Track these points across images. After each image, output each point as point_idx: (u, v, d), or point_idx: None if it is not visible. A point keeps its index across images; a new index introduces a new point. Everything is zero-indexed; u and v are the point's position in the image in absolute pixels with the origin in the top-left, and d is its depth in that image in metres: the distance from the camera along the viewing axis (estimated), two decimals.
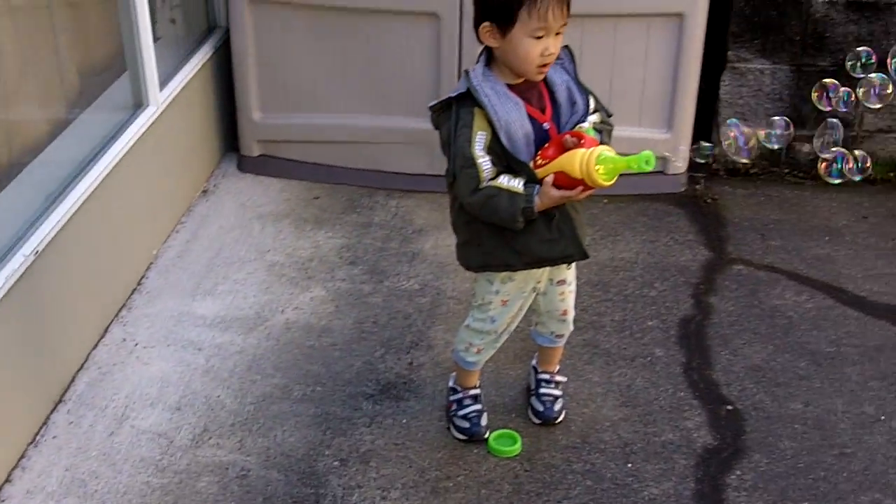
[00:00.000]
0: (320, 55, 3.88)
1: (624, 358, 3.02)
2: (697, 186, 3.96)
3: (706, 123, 4.06)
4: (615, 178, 2.24)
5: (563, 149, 2.28)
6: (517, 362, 2.96)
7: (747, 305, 3.28)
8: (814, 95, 3.20)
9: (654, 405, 2.84)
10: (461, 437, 2.71)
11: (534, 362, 2.85)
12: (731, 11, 3.91)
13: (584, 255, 2.49)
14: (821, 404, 2.87)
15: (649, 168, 2.15)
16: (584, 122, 2.39)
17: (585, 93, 2.41)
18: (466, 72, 2.36)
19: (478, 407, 2.74)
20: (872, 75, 3.10)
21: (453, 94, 2.35)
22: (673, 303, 3.28)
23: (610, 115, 2.48)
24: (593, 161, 2.20)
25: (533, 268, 2.51)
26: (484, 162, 2.31)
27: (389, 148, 3.96)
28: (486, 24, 2.29)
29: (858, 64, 3.24)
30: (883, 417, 2.83)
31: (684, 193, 3.92)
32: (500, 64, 2.35)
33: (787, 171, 4.07)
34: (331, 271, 3.42)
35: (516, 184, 2.32)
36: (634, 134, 3.81)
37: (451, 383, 2.79)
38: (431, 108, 2.44)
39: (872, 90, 3.07)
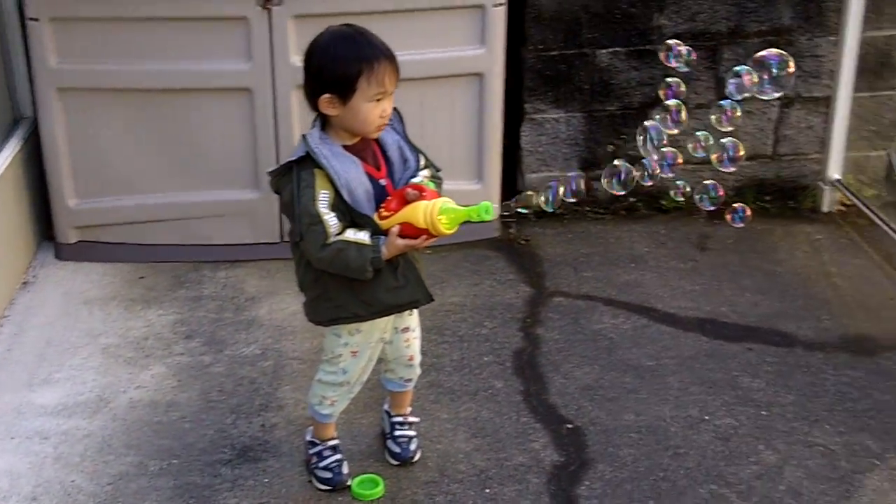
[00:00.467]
0: (134, 137, 3.92)
1: (467, 393, 3.18)
2: (510, 230, 4.20)
3: (513, 172, 4.32)
4: (456, 227, 2.42)
5: (405, 201, 2.45)
6: (367, 410, 3.07)
7: (571, 332, 3.51)
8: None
9: (502, 433, 3.01)
10: (324, 487, 2.79)
11: (386, 407, 2.96)
12: (524, 68, 4.20)
13: (430, 298, 2.65)
14: (650, 413, 3.10)
15: (489, 217, 2.34)
16: (415, 177, 2.56)
17: (415, 150, 2.60)
18: (304, 136, 2.50)
19: (338, 456, 2.82)
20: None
21: (293, 158, 2.48)
22: (504, 338, 3.47)
23: (439, 170, 2.66)
24: (436, 211, 2.38)
25: (382, 316, 2.65)
26: (330, 218, 2.44)
27: (211, 221, 4.02)
28: (327, 95, 2.44)
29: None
30: (707, 417, 3.08)
31: (499, 238, 4.15)
32: (337, 128, 2.51)
33: (588, 209, 4.36)
34: (168, 347, 3.44)
35: (363, 236, 2.46)
36: (447, 187, 4.00)
37: (308, 437, 2.87)
38: (270, 173, 2.56)
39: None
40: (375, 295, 2.57)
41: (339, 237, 2.45)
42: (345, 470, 2.81)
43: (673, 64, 2.74)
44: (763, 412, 3.11)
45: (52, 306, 3.68)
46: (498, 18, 3.96)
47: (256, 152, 3.94)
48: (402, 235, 2.45)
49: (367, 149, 2.54)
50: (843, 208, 4.39)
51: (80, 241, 4.05)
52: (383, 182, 2.55)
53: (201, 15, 3.79)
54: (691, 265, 3.96)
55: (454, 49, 3.99)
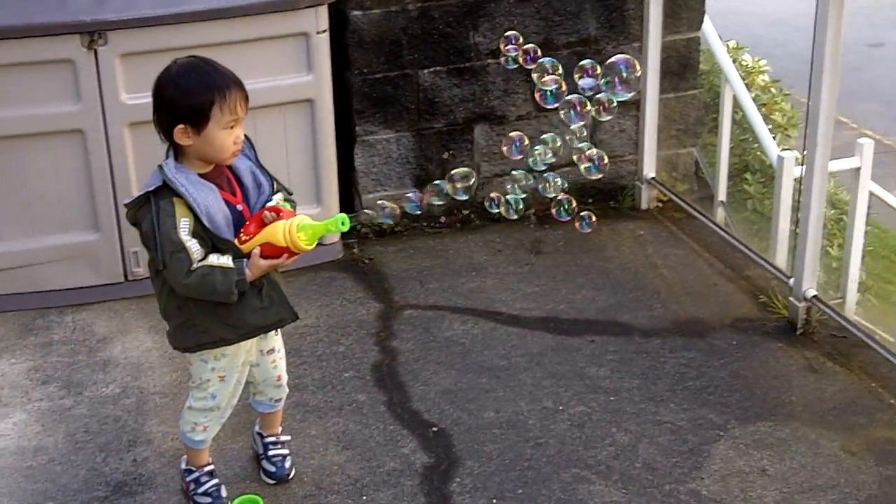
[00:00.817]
0: None
1: (333, 409, 3.28)
2: (353, 251, 4.31)
3: (350, 194, 4.44)
4: (315, 242, 2.53)
5: (263, 223, 2.54)
6: (237, 434, 3.13)
7: (425, 341, 3.65)
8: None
9: (371, 442, 3.12)
10: None
11: (257, 429, 3.03)
12: (351, 92, 4.33)
13: (296, 316, 2.75)
14: (508, 409, 3.27)
15: (345, 228, 2.46)
16: (270, 201, 2.65)
17: (268, 175, 2.69)
18: (160, 166, 2.56)
19: (215, 481, 2.87)
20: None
21: (150, 188, 2.53)
22: (361, 353, 3.58)
23: (291, 194, 2.77)
24: (295, 229, 2.48)
25: (249, 338, 2.73)
26: (192, 245, 2.51)
27: (54, 266, 3.97)
28: (181, 126, 2.52)
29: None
30: (561, 408, 3.28)
31: (343, 259, 4.25)
32: (191, 157, 2.58)
33: (425, 224, 4.52)
34: (25, 394, 3.39)
35: (226, 260, 2.54)
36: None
37: (183, 466, 2.90)
38: (127, 205, 2.60)
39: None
40: (242, 317, 2.65)
41: (203, 263, 2.52)
42: (223, 493, 2.86)
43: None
44: (612, 398, 3.32)
45: None
46: (322, 45, 4.07)
47: (93, 193, 3.93)
48: (264, 256, 2.54)
49: (221, 176, 2.62)
50: (660, 204, 4.70)
51: None
52: (240, 207, 2.64)
53: (27, 60, 3.76)
54: (528, 269, 4.17)
55: (283, 77, 4.07)
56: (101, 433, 3.19)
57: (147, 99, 3.82)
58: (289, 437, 3.03)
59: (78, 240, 3.98)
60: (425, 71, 4.39)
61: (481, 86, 4.47)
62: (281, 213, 2.56)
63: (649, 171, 4.68)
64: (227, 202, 2.60)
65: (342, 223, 2.45)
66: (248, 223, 2.59)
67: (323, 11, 4.02)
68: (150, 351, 3.62)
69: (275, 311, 2.70)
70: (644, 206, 4.69)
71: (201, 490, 2.86)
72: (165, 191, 2.52)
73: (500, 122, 4.52)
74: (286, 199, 2.72)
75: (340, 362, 3.52)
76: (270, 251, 2.53)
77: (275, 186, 2.71)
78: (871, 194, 5.86)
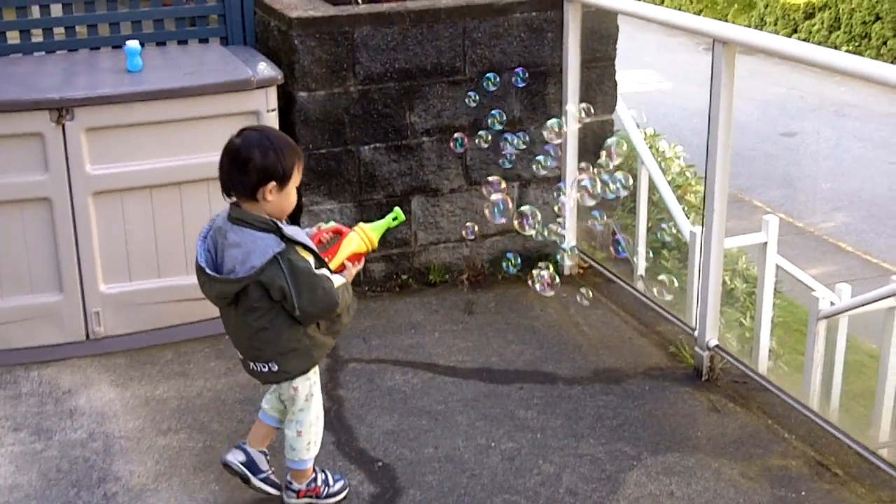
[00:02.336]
0: None
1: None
2: None
3: None
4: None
5: (323, 244, 3.08)
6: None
7: (369, 391, 3.99)
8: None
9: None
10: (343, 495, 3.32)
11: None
12: None
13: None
14: (446, 446, 3.62)
15: (402, 219, 3.12)
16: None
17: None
18: (277, 226, 2.93)
19: (333, 474, 3.34)
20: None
21: (276, 250, 2.90)
22: None
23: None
24: (368, 232, 3.07)
25: (327, 352, 3.19)
26: (324, 271, 2.99)
27: (18, 325, 4.24)
28: (272, 184, 2.92)
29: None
30: (493, 444, 3.63)
31: None
32: (262, 213, 2.96)
33: (367, 288, 4.88)
34: None
35: (337, 279, 3.04)
36: None
37: (301, 486, 3.26)
38: (255, 269, 2.91)
39: None
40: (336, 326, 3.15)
41: (336, 281, 3.02)
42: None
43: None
44: (538, 435, 3.69)
45: None
46: (272, 122, 4.46)
47: (58, 257, 4.22)
48: (351, 262, 3.10)
49: None
50: (581, 270, 5.12)
51: None
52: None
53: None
54: (462, 326, 4.55)
55: None
56: (72, 472, 3.46)
57: (111, 170, 4.24)
58: None
59: (43, 300, 4.26)
60: (366, 147, 4.79)
61: (417, 161, 4.89)
62: (342, 232, 3.09)
63: (570, 240, 5.11)
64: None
65: (398, 216, 3.07)
66: (315, 247, 3.05)
67: (272, 92, 4.41)
68: (113, 401, 3.91)
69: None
70: (566, 272, 5.11)
71: (332, 481, 3.30)
72: (277, 247, 2.91)
73: (435, 195, 4.93)
74: None
75: None
76: (354, 259, 3.08)
77: None
78: (780, 268, 6.38)
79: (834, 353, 6.11)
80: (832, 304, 5.81)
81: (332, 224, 3.19)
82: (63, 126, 4.10)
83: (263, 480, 3.28)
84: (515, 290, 4.87)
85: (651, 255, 5.84)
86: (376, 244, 3.11)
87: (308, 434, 3.21)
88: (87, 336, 4.31)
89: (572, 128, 4.89)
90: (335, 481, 3.32)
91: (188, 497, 3.31)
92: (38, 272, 4.23)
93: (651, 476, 3.44)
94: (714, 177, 3.89)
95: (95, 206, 4.23)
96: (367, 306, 4.75)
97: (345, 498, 3.31)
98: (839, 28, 18.60)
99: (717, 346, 4.04)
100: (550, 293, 3.79)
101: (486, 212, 3.96)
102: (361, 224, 3.12)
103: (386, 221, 3.09)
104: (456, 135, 4.43)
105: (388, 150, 4.83)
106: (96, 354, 4.25)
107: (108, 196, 4.25)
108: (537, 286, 3.73)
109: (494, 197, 3.94)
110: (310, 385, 3.17)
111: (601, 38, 5.02)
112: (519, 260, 4.37)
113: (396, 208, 3.10)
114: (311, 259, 2.97)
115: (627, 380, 4.08)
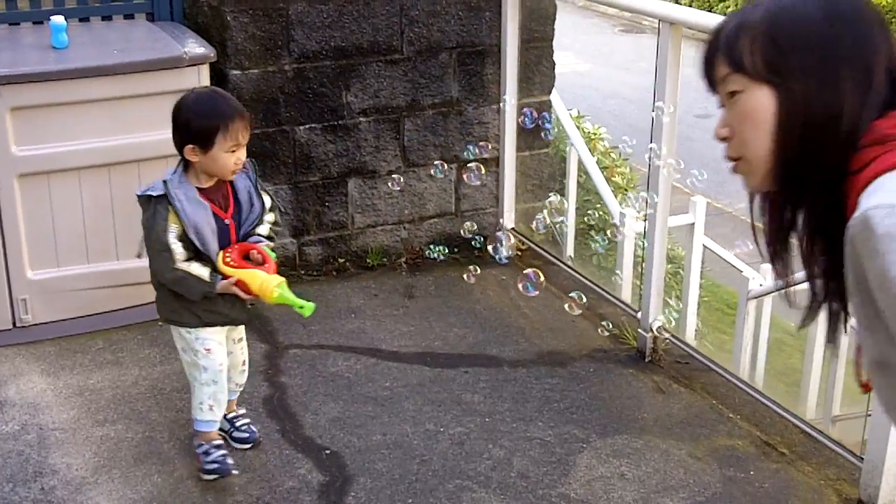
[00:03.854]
0: None
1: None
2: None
3: None
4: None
5: (247, 257, 3.02)
6: None
7: (311, 377, 3.91)
8: None
9: (269, 465, 3.35)
10: (209, 477, 3.25)
11: None
12: None
13: (249, 319, 3.29)
14: (394, 432, 3.56)
15: (307, 313, 3.06)
16: (260, 222, 3.15)
17: (261, 197, 3.14)
18: (164, 181, 3.00)
19: (222, 452, 3.28)
20: None
21: (153, 193, 2.98)
22: (251, 388, 3.79)
23: (283, 212, 3.19)
24: (271, 290, 2.98)
25: (207, 327, 3.14)
26: (177, 247, 2.99)
27: None
28: (190, 146, 2.97)
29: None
30: (442, 429, 3.58)
31: None
32: (198, 171, 3.03)
33: (303, 272, 4.78)
34: None
35: (203, 272, 3.01)
36: None
37: (196, 444, 3.29)
38: (138, 195, 3.05)
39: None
40: (208, 309, 3.12)
41: (184, 266, 3.00)
42: (230, 461, 3.26)
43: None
44: (487, 419, 3.65)
45: None
46: None
47: None
48: (236, 285, 3.03)
49: (219, 191, 3.07)
50: (519, 252, 5.09)
51: None
52: (227, 222, 3.09)
53: None
54: (403, 311, 4.48)
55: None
56: (6, 466, 3.32)
57: (37, 151, 4.08)
58: (244, 411, 3.45)
59: None
60: (301, 127, 4.69)
61: (354, 142, 4.80)
62: (265, 263, 3.03)
63: (509, 222, 5.08)
64: (216, 216, 3.04)
65: (309, 311, 3.03)
66: (234, 247, 3.05)
67: (205, 70, 4.27)
68: (45, 391, 3.76)
69: (236, 312, 3.18)
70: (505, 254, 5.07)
71: (209, 458, 3.22)
72: (165, 199, 2.97)
73: (372, 176, 4.85)
74: (275, 223, 3.24)
75: None
76: (242, 287, 3.01)
77: (268, 205, 3.18)
78: (705, 248, 6.44)
79: (759, 332, 6.21)
80: (761, 285, 5.89)
81: (273, 257, 3.12)
82: None
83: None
84: (454, 272, 4.81)
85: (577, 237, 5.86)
86: (268, 302, 3.09)
87: (197, 394, 3.22)
88: (14, 324, 4.14)
89: (509, 112, 4.85)
90: (213, 462, 3.25)
91: (130, 489, 3.20)
92: None
93: (601, 458, 3.43)
94: (659, 160, 3.87)
95: (21, 189, 4.06)
96: (304, 290, 4.63)
97: (217, 479, 3.26)
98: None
99: (661, 327, 4.04)
100: (535, 293, 3.76)
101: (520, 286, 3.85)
102: (281, 283, 3.05)
103: (294, 301, 3.05)
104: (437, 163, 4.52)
105: (323, 130, 4.73)
106: (24, 343, 4.09)
107: (34, 178, 4.08)
108: (520, 286, 3.72)
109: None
110: (184, 345, 3.20)
111: (539, 17, 4.98)
112: (446, 249, 4.51)
113: (312, 304, 3.07)
114: (175, 227, 3.00)
115: (572, 362, 4.06)
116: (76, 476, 3.25)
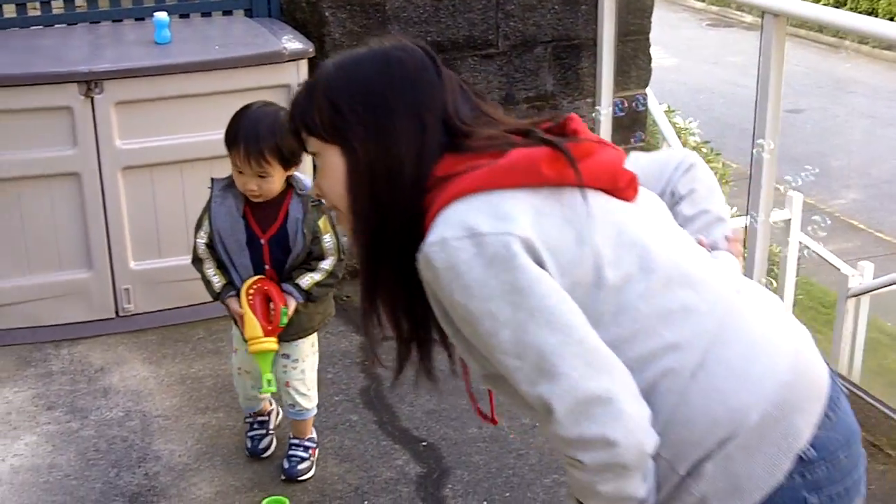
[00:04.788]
0: None
1: (328, 427, 3.53)
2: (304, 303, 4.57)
3: None
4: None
5: (266, 301, 3.01)
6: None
7: (407, 368, 3.91)
8: None
9: (367, 455, 3.38)
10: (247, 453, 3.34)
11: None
12: None
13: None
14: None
15: (264, 391, 3.10)
16: (311, 270, 3.08)
17: (307, 237, 3.02)
18: (214, 178, 3.05)
19: (261, 431, 3.34)
20: None
21: (209, 187, 3.07)
22: (349, 379, 3.84)
23: (343, 258, 3.14)
24: (255, 347, 3.00)
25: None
26: (200, 242, 3.07)
27: (48, 302, 4.17)
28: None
29: None
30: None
31: None
32: None
33: None
34: (33, 419, 3.59)
35: (217, 280, 3.07)
36: None
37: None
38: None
39: None
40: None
41: (202, 267, 3.09)
42: (262, 446, 3.33)
43: None
44: None
45: None
46: None
47: (87, 233, 4.15)
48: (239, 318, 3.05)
49: (270, 208, 3.02)
50: None
51: None
52: (262, 242, 3.03)
53: (28, 107, 3.99)
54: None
55: None
56: (111, 451, 3.40)
57: (139, 144, 4.16)
58: (313, 444, 3.32)
59: (72, 277, 4.19)
60: None
61: None
62: (271, 326, 3.01)
63: None
64: (252, 232, 2.99)
65: (269, 382, 3.03)
66: (264, 284, 3.01)
67: (304, 65, 4.32)
68: (147, 379, 3.84)
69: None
70: None
71: (248, 433, 3.35)
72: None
73: None
74: (314, 286, 3.11)
75: (330, 387, 3.78)
76: (240, 322, 3.03)
77: (319, 252, 3.08)
78: (802, 245, 6.33)
79: (856, 331, 6.08)
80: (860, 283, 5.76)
81: (282, 325, 3.04)
82: (92, 99, 4.02)
83: None
84: None
85: None
86: (250, 351, 3.04)
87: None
88: (117, 313, 4.24)
89: (605, 106, 4.81)
90: (249, 438, 3.37)
91: (231, 476, 3.25)
92: (66, 249, 4.16)
93: None
94: (762, 156, 3.80)
95: (125, 181, 4.16)
96: None
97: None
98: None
99: None
100: None
101: None
102: (271, 351, 3.03)
103: (265, 371, 3.03)
104: None
105: None
106: (127, 332, 4.18)
107: (137, 171, 4.17)
108: None
109: None
110: (231, 334, 3.28)
111: (636, 10, 4.94)
112: None
113: (273, 389, 3.09)
114: (206, 224, 3.06)
115: None
116: (179, 462, 3.32)
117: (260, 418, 3.35)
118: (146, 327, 4.20)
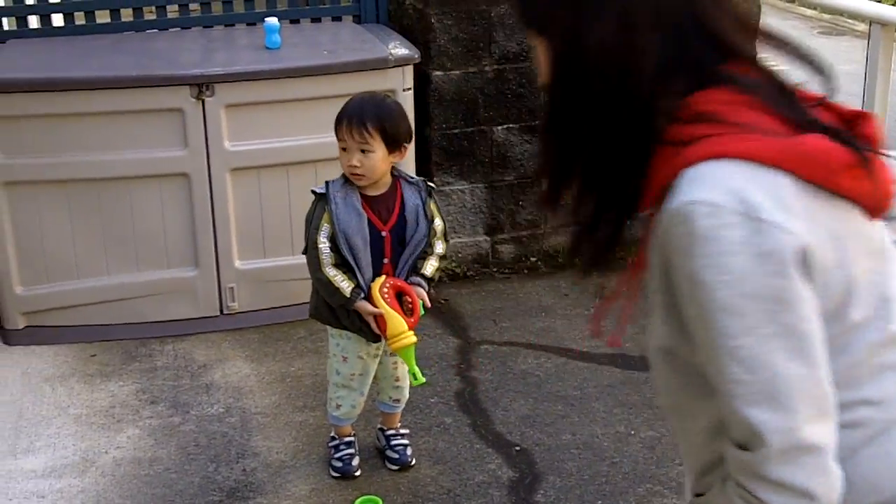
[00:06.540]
0: (77, 224, 4.17)
1: (422, 430, 3.56)
2: (430, 293, 4.61)
3: None
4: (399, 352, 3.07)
5: (398, 297, 3.03)
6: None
7: (502, 373, 3.94)
8: None
9: (460, 458, 3.40)
10: (335, 474, 3.27)
11: (379, 426, 3.41)
12: (430, 145, 4.67)
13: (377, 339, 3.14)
14: (584, 432, 3.55)
15: (415, 383, 3.09)
16: (430, 255, 3.15)
17: (429, 221, 3.10)
18: (328, 181, 3.06)
19: (350, 451, 3.30)
20: None
21: (318, 191, 3.06)
22: (444, 382, 3.87)
23: (448, 241, 3.22)
24: (401, 343, 3.01)
25: (347, 333, 3.15)
26: (324, 247, 3.01)
27: (154, 299, 4.29)
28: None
29: None
30: (633, 432, 3.55)
31: None
32: None
33: (495, 269, 4.83)
34: (136, 412, 3.70)
35: (346, 285, 3.01)
36: None
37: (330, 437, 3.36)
38: (312, 191, 3.12)
39: None
40: (349, 317, 3.10)
41: (330, 273, 3.02)
42: (355, 463, 3.30)
43: None
44: None
45: (15, 385, 3.88)
46: (407, 101, 4.40)
47: (195, 232, 4.26)
48: (375, 317, 3.03)
49: (385, 201, 3.08)
50: None
51: (27, 327, 4.26)
52: (384, 234, 3.08)
53: (141, 108, 4.12)
54: (593, 311, 4.45)
55: None
56: (211, 447, 3.48)
57: (247, 146, 4.26)
58: (407, 431, 3.41)
59: (178, 275, 4.30)
60: (499, 128, 4.73)
61: None
62: (412, 318, 3.05)
63: None
64: (372, 225, 3.04)
65: (415, 377, 3.05)
66: (394, 280, 3.06)
67: (409, 71, 4.37)
68: (249, 377, 3.93)
69: (368, 329, 3.11)
70: None
71: (337, 455, 3.28)
72: (325, 198, 3.04)
73: None
74: (438, 265, 3.19)
75: (426, 390, 3.80)
76: (380, 322, 3.02)
77: (439, 231, 3.16)
78: None
79: None
80: None
81: (421, 314, 3.11)
82: (203, 102, 4.12)
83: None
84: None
85: None
86: (393, 349, 3.07)
87: (329, 391, 3.29)
88: (221, 311, 4.34)
89: None
90: (339, 461, 3.31)
91: (327, 475, 3.31)
92: (174, 247, 4.27)
93: None
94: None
95: (233, 183, 4.25)
96: (496, 287, 4.70)
97: (343, 476, 3.30)
98: None
99: None
100: None
101: None
102: (413, 343, 3.06)
103: (412, 366, 3.07)
104: None
105: (521, 130, 4.76)
106: (230, 329, 4.28)
107: (245, 172, 4.26)
108: None
109: None
110: (333, 347, 3.22)
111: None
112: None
113: (423, 380, 3.11)
114: (326, 226, 3.03)
115: None
116: (276, 459, 3.39)
117: (346, 439, 3.35)
118: (249, 325, 4.29)
